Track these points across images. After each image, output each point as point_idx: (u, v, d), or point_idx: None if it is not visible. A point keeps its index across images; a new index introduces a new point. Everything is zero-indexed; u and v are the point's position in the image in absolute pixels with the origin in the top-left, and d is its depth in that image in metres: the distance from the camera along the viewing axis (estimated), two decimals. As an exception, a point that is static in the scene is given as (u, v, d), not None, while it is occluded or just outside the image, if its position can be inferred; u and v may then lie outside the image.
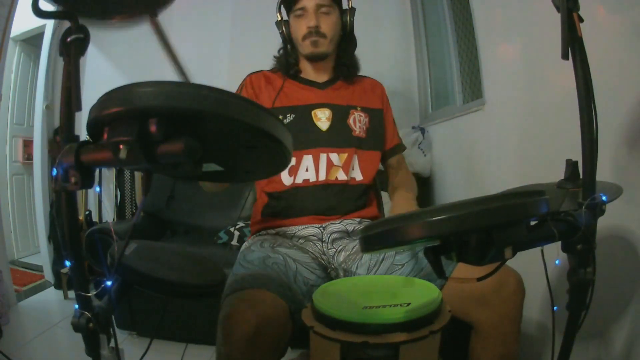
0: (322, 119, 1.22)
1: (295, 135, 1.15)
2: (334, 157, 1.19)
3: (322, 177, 1.17)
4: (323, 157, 1.18)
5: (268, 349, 0.78)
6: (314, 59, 1.23)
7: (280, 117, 1.18)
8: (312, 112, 1.22)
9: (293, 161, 1.17)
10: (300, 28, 1.20)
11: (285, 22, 1.25)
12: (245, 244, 1.19)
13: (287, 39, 1.24)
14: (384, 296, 0.79)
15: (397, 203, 1.20)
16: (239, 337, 0.76)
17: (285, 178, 1.17)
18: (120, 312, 1.92)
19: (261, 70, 1.29)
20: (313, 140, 1.19)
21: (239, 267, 1.00)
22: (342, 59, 1.27)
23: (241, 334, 0.75)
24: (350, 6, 1.26)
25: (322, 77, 1.27)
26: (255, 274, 0.93)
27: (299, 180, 1.17)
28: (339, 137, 1.21)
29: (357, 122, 1.23)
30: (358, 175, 1.21)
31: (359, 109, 1.25)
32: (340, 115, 1.23)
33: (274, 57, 1.29)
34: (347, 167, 1.19)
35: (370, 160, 1.24)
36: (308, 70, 1.27)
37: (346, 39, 1.27)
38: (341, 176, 1.18)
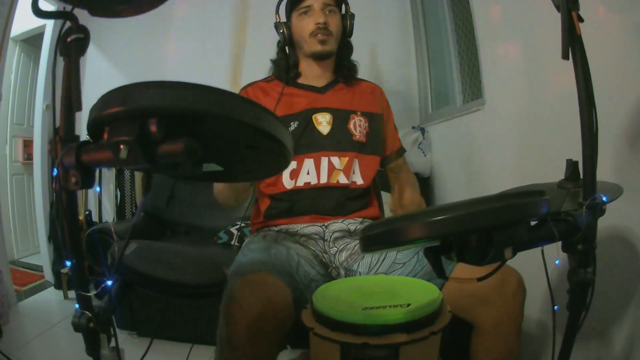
0: (323, 123, 1.21)
1: (297, 141, 1.16)
2: (335, 160, 1.19)
3: (324, 180, 1.17)
4: (324, 161, 1.18)
5: (270, 334, 0.78)
6: (320, 57, 1.22)
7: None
8: (313, 117, 1.21)
9: (294, 164, 1.17)
10: (307, 25, 1.19)
11: (284, 23, 1.24)
12: (247, 240, 1.19)
13: (288, 40, 1.24)
14: (384, 297, 0.79)
15: (397, 196, 1.22)
16: (241, 322, 0.75)
17: (287, 181, 1.17)
18: (121, 312, 1.92)
19: (255, 82, 1.27)
20: (314, 145, 1.18)
21: (242, 256, 1.01)
22: (341, 62, 1.27)
23: (244, 318, 0.75)
24: (349, 12, 1.26)
25: (321, 81, 1.26)
26: (259, 260, 0.93)
27: (300, 183, 1.17)
28: (339, 141, 1.20)
29: (358, 126, 1.23)
30: (359, 180, 1.21)
31: (359, 113, 1.25)
32: (340, 119, 1.22)
33: (271, 60, 1.28)
34: (348, 170, 1.19)
35: (370, 165, 1.24)
36: (307, 74, 1.26)
37: (344, 44, 1.27)
38: (342, 179, 1.18)
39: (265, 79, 1.28)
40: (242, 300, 0.76)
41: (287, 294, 0.82)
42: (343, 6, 1.27)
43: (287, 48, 1.24)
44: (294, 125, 1.19)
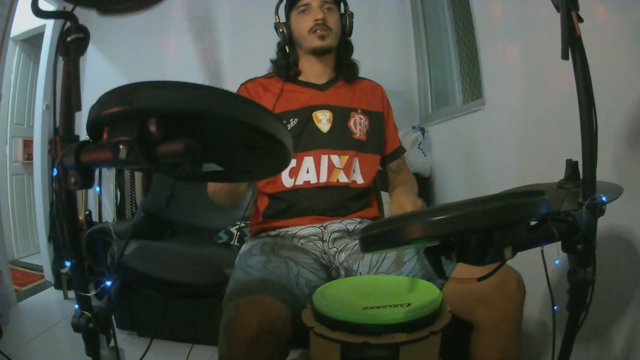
0: (323, 120, 1.21)
1: (296, 138, 1.16)
2: (335, 158, 1.19)
3: (323, 179, 1.17)
4: (324, 159, 1.18)
5: (269, 353, 0.79)
6: (320, 52, 1.21)
7: (284, 122, 1.18)
8: (313, 114, 1.21)
9: (294, 163, 1.17)
10: (305, 22, 1.19)
11: (283, 23, 1.25)
12: (245, 247, 1.18)
13: (287, 40, 1.24)
14: (384, 296, 0.79)
15: (396, 198, 1.20)
16: (241, 342, 0.76)
17: (286, 179, 1.17)
18: (121, 312, 1.92)
19: (255, 78, 1.27)
20: (314, 142, 1.18)
21: (241, 272, 0.99)
22: (342, 61, 1.27)
23: (243, 339, 0.76)
24: (347, 11, 1.26)
25: (321, 79, 1.26)
26: (257, 279, 0.92)
27: (300, 181, 1.17)
28: (339, 139, 1.20)
29: (358, 124, 1.23)
30: (359, 179, 1.21)
31: (359, 111, 1.25)
32: (341, 117, 1.22)
33: (271, 60, 1.28)
34: (348, 169, 1.19)
35: (370, 164, 1.24)
36: (308, 72, 1.26)
37: (344, 43, 1.27)
38: (342, 178, 1.18)
39: (264, 75, 1.28)
40: (241, 321, 0.78)
41: (286, 313, 0.83)
42: (342, 6, 1.27)
43: (286, 48, 1.24)
44: (293, 122, 1.19)
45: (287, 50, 1.24)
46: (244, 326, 0.77)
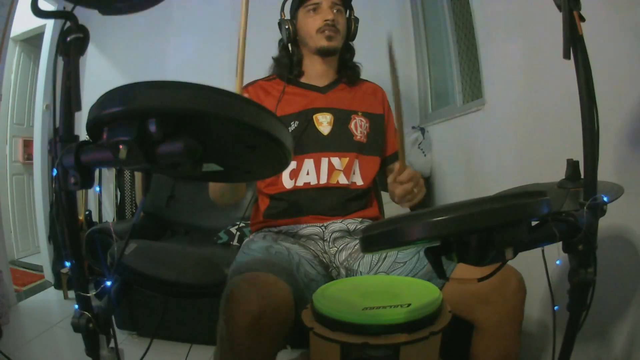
0: (324, 123, 1.21)
1: (297, 140, 1.16)
2: (335, 161, 1.19)
3: (324, 180, 1.17)
4: (324, 161, 1.18)
5: (271, 333, 0.78)
6: (325, 53, 1.21)
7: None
8: (314, 117, 1.21)
9: (294, 164, 1.17)
10: (314, 21, 1.19)
11: (289, 20, 1.24)
12: (247, 239, 1.20)
13: (291, 37, 1.23)
14: (384, 297, 0.79)
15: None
16: (241, 321, 0.75)
17: (287, 181, 1.17)
18: (121, 312, 1.92)
19: (256, 81, 1.27)
20: (314, 145, 1.18)
21: (242, 255, 1.01)
22: (345, 63, 1.27)
23: (244, 317, 0.74)
24: (353, 15, 1.26)
25: (323, 80, 1.26)
26: (259, 259, 0.93)
27: (300, 183, 1.17)
28: (340, 141, 1.20)
29: (359, 127, 1.23)
30: (359, 180, 1.21)
31: (360, 114, 1.25)
32: (341, 119, 1.22)
33: (273, 58, 1.28)
34: (348, 171, 1.19)
35: (370, 165, 1.24)
36: (310, 72, 1.26)
37: (347, 46, 1.27)
38: (342, 180, 1.18)
39: (266, 77, 1.28)
40: (242, 299, 0.76)
41: (287, 292, 0.82)
42: (347, 10, 1.27)
43: (290, 46, 1.24)
44: (294, 125, 1.19)
45: (291, 49, 1.24)
46: (245, 304, 0.75)
